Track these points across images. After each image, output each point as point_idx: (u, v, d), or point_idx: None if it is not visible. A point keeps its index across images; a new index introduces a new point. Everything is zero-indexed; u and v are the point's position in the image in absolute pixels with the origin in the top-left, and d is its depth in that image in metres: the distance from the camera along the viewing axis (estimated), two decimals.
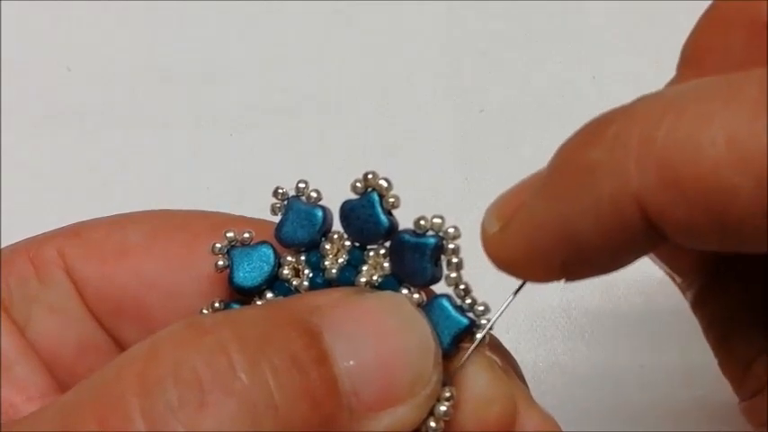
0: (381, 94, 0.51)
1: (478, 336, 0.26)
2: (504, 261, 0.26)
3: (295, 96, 0.51)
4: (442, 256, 0.26)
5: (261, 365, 0.23)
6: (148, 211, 0.31)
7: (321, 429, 0.23)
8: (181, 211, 0.31)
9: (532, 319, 0.42)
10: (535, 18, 0.53)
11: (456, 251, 0.26)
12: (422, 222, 0.26)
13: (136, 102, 0.51)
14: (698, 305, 0.30)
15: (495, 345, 0.28)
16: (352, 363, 0.23)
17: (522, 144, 0.48)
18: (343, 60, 0.52)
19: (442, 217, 0.26)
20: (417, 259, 0.26)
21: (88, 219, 0.30)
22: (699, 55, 0.30)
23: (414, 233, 0.26)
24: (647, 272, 0.43)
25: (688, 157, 0.22)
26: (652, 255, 0.31)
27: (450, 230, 0.26)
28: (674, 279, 0.31)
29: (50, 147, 0.50)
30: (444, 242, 0.26)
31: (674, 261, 0.31)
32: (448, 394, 0.25)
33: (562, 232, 0.24)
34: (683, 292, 0.31)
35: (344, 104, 0.51)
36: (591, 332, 0.42)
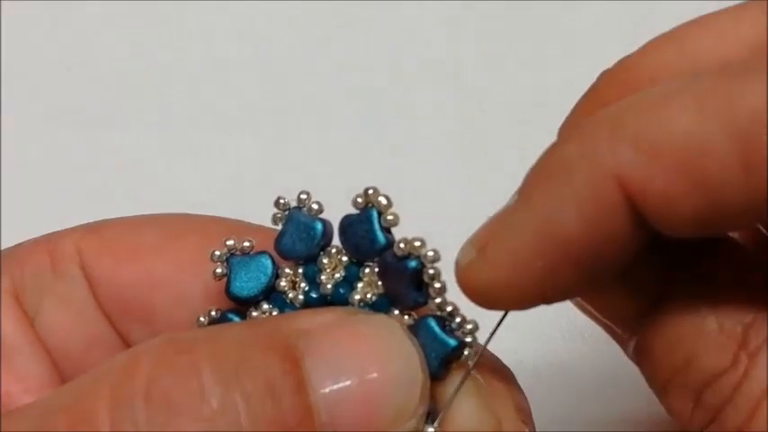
0: (381, 93, 0.51)
1: (470, 361, 0.25)
2: (482, 287, 0.24)
3: (294, 96, 0.51)
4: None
5: (232, 391, 0.22)
6: (167, 214, 0.30)
7: None
8: (198, 215, 0.31)
9: (532, 320, 0.42)
10: (535, 18, 0.53)
11: (436, 276, 0.25)
12: (401, 245, 0.25)
13: (136, 102, 0.51)
14: (640, 354, 0.28)
15: (489, 361, 0.27)
16: (330, 391, 0.22)
17: (522, 144, 0.48)
18: (344, 60, 0.52)
19: (422, 240, 0.25)
20: (399, 283, 0.25)
21: (103, 218, 0.30)
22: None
23: (395, 256, 0.25)
24: None
25: (660, 124, 0.23)
26: (591, 309, 0.29)
27: (430, 254, 0.25)
28: (614, 332, 0.30)
29: (50, 147, 0.50)
30: (424, 268, 0.25)
31: (615, 309, 0.29)
32: (431, 430, 0.24)
33: (544, 235, 0.24)
34: (624, 344, 0.29)
35: (344, 104, 0.51)
36: (591, 332, 0.42)
